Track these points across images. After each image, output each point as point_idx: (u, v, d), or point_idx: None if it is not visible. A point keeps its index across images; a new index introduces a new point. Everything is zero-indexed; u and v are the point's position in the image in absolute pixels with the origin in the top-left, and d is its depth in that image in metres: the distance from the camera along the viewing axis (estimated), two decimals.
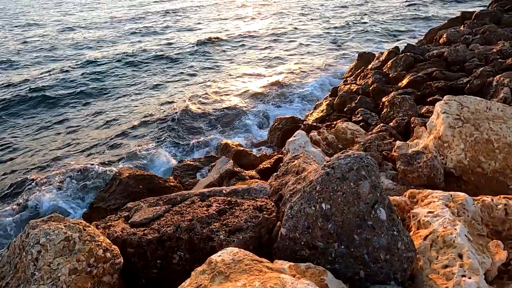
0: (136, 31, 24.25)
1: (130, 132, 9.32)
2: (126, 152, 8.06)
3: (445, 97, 3.52)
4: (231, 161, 4.13)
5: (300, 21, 24.70)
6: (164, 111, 10.77)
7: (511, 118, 3.05)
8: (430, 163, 2.87)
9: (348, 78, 11.09)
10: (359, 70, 11.22)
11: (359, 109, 7.08)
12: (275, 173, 3.00)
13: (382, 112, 6.48)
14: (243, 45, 19.56)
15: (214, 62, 16.60)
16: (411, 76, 8.01)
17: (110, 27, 26.23)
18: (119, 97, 12.36)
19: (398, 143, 3.95)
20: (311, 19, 25.03)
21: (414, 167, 2.92)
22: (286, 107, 11.28)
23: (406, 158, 3.08)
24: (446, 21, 16.58)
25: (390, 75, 8.97)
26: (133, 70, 15.53)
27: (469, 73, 8.05)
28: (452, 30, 12.60)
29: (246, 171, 4.35)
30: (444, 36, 11.81)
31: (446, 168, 3.05)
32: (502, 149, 2.86)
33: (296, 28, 22.51)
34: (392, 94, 7.28)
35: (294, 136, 4.11)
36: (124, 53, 18.07)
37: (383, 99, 7.03)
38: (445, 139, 3.14)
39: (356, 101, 7.57)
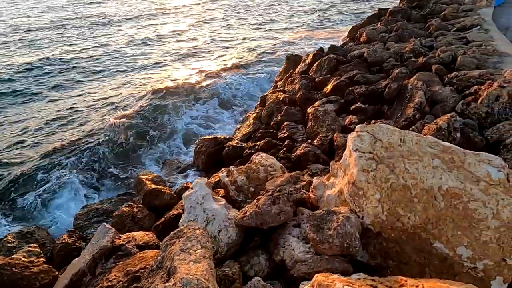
0: None
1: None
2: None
3: (357, 127, 2.94)
4: (111, 231, 3.11)
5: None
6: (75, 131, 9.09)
7: (427, 153, 2.56)
8: (342, 230, 2.24)
9: (277, 83, 10.54)
10: (287, 74, 10.74)
11: (285, 124, 6.45)
12: (146, 271, 2.12)
13: (308, 126, 5.92)
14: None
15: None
16: (335, 81, 7.64)
17: None
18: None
19: (315, 181, 3.32)
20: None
21: (325, 236, 2.27)
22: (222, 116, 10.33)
23: (316, 221, 2.42)
24: (365, 19, 17.11)
25: (316, 80, 8.55)
26: None
27: (388, 74, 7.94)
28: (371, 28, 12.77)
29: (136, 234, 3.35)
30: (364, 34, 11.87)
31: (363, 224, 2.46)
32: (420, 197, 2.34)
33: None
34: (316, 104, 6.78)
35: (192, 188, 3.24)
36: None
37: (308, 110, 6.49)
38: (360, 185, 2.54)
39: (282, 113, 6.95)
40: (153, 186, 5.19)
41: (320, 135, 5.21)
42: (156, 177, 6.00)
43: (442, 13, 12.39)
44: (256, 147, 5.66)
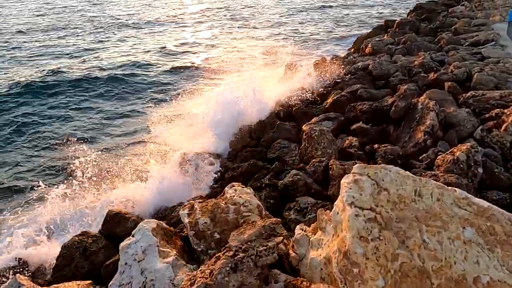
0: None
1: None
2: None
3: (355, 167, 2.13)
4: None
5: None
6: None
7: (455, 216, 1.73)
8: None
9: None
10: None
11: (277, 142, 5.63)
12: None
13: (301, 146, 5.09)
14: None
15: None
16: (335, 95, 6.83)
17: None
18: None
19: (297, 232, 2.49)
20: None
21: None
22: None
23: None
24: (371, 29, 16.35)
25: (316, 92, 7.78)
26: None
27: (394, 90, 7.12)
28: (377, 39, 12.00)
29: None
30: (369, 46, 11.08)
31: None
32: None
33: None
34: (313, 121, 5.96)
35: (132, 236, 2.42)
36: None
37: (303, 128, 5.67)
38: (354, 259, 1.72)
39: (274, 129, 6.13)
40: (114, 210, 4.38)
41: (314, 160, 4.38)
42: (124, 202, 5.20)
43: (453, 27, 11.58)
44: (240, 169, 4.84)
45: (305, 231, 2.46)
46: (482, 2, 17.38)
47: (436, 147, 4.50)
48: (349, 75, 7.89)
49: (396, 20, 14.70)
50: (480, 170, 3.69)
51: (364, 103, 5.86)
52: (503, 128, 4.41)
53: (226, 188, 3.14)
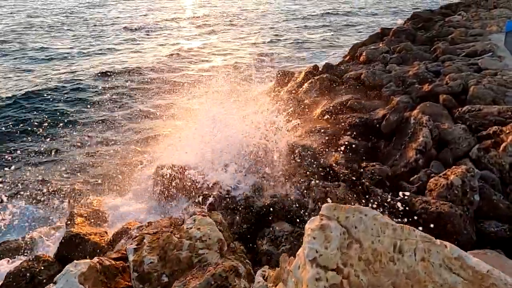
0: None
1: None
2: None
3: (323, 207, 1.71)
4: None
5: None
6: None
7: (444, 283, 1.32)
8: None
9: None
10: (276, 92, 9.58)
11: None
12: None
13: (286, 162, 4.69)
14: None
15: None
16: (324, 106, 6.45)
17: None
18: None
19: (257, 280, 2.04)
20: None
21: None
22: None
23: None
24: (367, 37, 16.07)
25: (306, 101, 7.39)
26: None
27: (387, 101, 6.77)
28: (372, 47, 11.68)
29: None
30: (364, 54, 10.75)
31: None
32: None
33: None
34: (299, 133, 5.57)
35: (54, 284, 1.98)
36: None
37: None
38: None
39: None
40: (73, 231, 3.92)
41: (294, 179, 3.97)
42: (95, 211, 4.76)
43: (450, 36, 11.28)
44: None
45: (266, 278, 2.03)
46: (478, 12, 17.19)
47: (429, 168, 4.10)
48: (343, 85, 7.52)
49: (392, 28, 14.44)
50: (477, 197, 3.28)
51: (354, 116, 5.46)
52: (501, 148, 4.02)
53: (186, 217, 2.70)
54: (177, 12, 31.27)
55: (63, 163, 7.09)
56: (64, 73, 14.13)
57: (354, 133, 5.21)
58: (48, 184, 5.55)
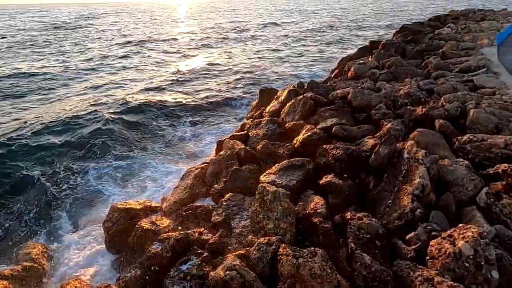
0: None
1: None
2: None
3: None
4: None
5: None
6: None
7: None
8: None
9: (247, 122, 8.55)
10: (258, 112, 8.81)
11: (227, 197, 4.35)
12: None
13: (252, 210, 3.82)
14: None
15: None
16: (306, 133, 5.66)
17: None
18: None
19: None
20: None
21: None
22: None
23: None
24: (356, 50, 15.53)
25: (287, 126, 6.60)
26: None
27: (376, 126, 6.02)
28: (360, 62, 11.04)
29: None
30: (352, 69, 10.10)
31: None
32: None
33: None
34: (273, 169, 4.71)
35: None
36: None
37: (260, 179, 4.43)
38: None
39: (227, 177, 4.87)
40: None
41: (261, 241, 3.10)
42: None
43: (441, 50, 10.73)
44: (165, 245, 3.51)
45: None
46: (467, 24, 16.87)
47: (428, 221, 3.29)
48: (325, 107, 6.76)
49: (381, 41, 13.93)
50: (495, 274, 2.47)
51: (338, 147, 4.66)
52: None
53: None
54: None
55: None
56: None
57: (338, 168, 4.41)
58: None
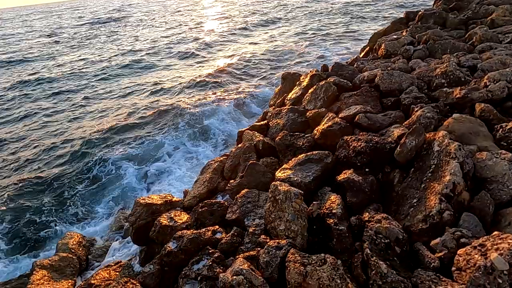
0: None
1: None
2: None
3: None
4: None
5: None
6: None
7: None
8: None
9: (269, 110, 8.32)
10: (280, 99, 8.51)
11: (242, 193, 4.29)
12: None
13: (266, 208, 3.72)
14: None
15: None
16: (326, 123, 5.33)
17: None
18: None
19: None
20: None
21: None
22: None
23: None
24: (390, 24, 14.14)
25: (308, 114, 6.28)
26: None
27: (407, 112, 5.48)
28: (393, 38, 10.07)
29: None
30: (383, 46, 9.25)
31: None
32: None
33: None
34: (290, 163, 4.53)
35: None
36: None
37: (276, 175, 4.29)
38: None
39: (244, 171, 4.80)
40: None
41: (270, 243, 3.00)
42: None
43: (489, 18, 9.38)
44: (180, 243, 3.57)
45: None
46: None
47: (458, 225, 2.94)
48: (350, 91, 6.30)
49: (418, 11, 12.50)
50: None
51: (360, 139, 4.32)
52: None
53: None
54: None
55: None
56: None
57: (360, 162, 4.11)
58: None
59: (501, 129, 4.03)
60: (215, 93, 11.47)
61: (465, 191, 3.21)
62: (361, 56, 11.11)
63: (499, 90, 4.78)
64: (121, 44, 22.34)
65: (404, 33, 10.29)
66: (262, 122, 6.70)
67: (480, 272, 2.31)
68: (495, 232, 2.54)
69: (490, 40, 7.59)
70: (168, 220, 4.22)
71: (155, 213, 4.60)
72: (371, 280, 2.60)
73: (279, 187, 3.42)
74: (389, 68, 6.89)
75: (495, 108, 4.53)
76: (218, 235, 3.65)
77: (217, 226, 3.86)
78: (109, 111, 11.12)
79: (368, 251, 2.76)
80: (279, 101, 8.24)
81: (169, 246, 3.54)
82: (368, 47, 12.48)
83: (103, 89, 13.75)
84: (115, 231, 5.63)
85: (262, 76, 13.22)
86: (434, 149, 3.68)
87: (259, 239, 3.41)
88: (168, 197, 5.05)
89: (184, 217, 4.36)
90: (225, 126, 8.92)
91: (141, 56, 17.52)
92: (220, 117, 9.48)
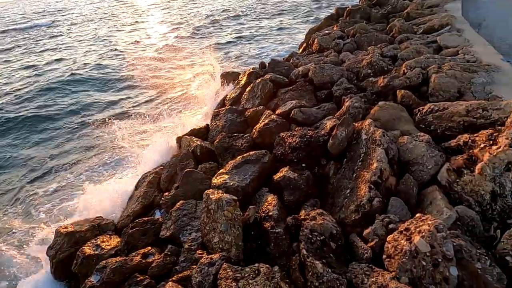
0: None
1: None
2: None
3: None
4: None
5: None
6: None
7: None
8: None
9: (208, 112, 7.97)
10: (220, 99, 8.23)
11: (177, 205, 3.94)
12: None
13: (201, 221, 3.42)
14: None
15: None
16: (263, 121, 5.22)
17: None
18: None
19: None
20: None
21: None
22: None
23: None
24: (322, 20, 14.81)
25: (247, 113, 6.12)
26: None
27: (338, 104, 5.63)
28: (325, 32, 10.47)
29: None
30: (316, 41, 9.55)
31: None
32: None
33: None
34: (227, 167, 4.30)
35: None
36: None
37: (212, 181, 4.02)
38: None
39: (180, 181, 4.43)
40: None
41: (202, 261, 2.72)
42: None
43: (405, 11, 10.27)
44: (103, 275, 3.10)
45: None
46: None
47: (387, 211, 2.99)
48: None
49: (347, 7, 13.24)
50: (454, 271, 2.19)
51: (295, 135, 4.25)
52: (477, 170, 2.96)
53: None
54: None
55: None
56: None
57: (296, 158, 4.04)
58: None
59: (419, 113, 4.28)
60: None
61: (392, 176, 3.30)
62: (299, 52, 11.33)
63: (415, 76, 5.13)
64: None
65: (335, 28, 10.76)
66: (200, 126, 6.34)
67: (407, 257, 2.32)
68: (417, 215, 2.60)
69: (406, 31, 8.25)
70: (94, 248, 3.67)
71: (79, 242, 3.99)
72: (308, 282, 2.48)
73: (210, 196, 3.14)
74: (321, 62, 7.06)
75: (413, 94, 4.83)
76: (150, 258, 3.24)
77: (149, 248, 3.45)
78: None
79: (305, 252, 2.64)
80: (218, 102, 7.95)
81: (90, 281, 3.03)
82: (305, 44, 12.83)
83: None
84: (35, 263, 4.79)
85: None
86: (362, 137, 3.74)
87: (195, 256, 3.10)
88: (97, 220, 4.44)
89: (114, 241, 3.84)
90: None
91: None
92: None
